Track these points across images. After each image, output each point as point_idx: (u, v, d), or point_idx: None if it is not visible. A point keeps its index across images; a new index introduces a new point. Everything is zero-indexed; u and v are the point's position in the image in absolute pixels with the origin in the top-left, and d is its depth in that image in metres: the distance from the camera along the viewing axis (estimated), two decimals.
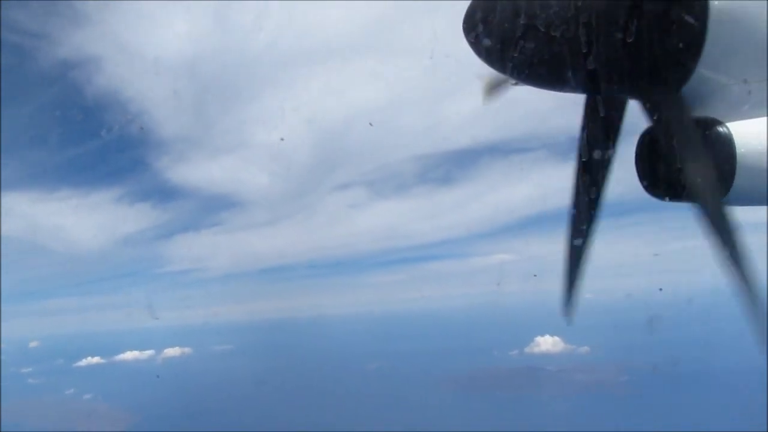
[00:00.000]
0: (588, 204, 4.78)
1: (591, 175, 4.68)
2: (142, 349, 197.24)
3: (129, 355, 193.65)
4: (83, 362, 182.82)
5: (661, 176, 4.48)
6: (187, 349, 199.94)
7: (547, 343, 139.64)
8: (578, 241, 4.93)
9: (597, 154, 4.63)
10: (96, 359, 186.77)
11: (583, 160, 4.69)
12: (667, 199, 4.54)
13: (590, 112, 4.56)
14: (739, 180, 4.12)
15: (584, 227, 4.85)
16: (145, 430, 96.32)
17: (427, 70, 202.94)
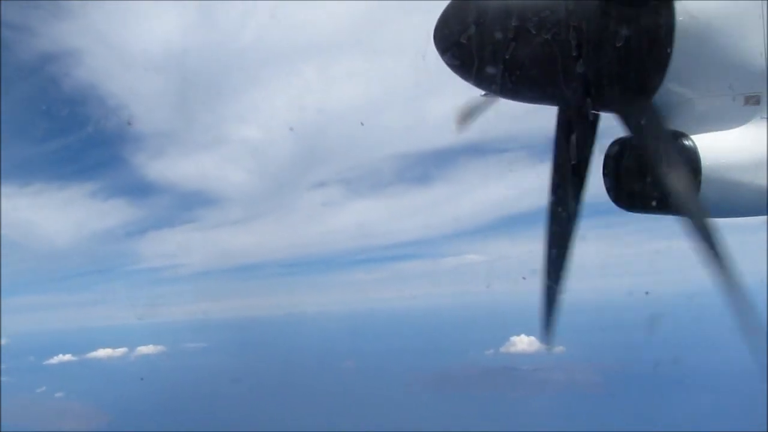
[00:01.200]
0: (564, 226, 4.78)
1: (566, 191, 4.68)
2: (114, 346, 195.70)
3: (101, 352, 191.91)
4: (54, 360, 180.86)
5: (630, 188, 4.53)
6: (160, 347, 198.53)
7: (522, 343, 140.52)
8: (554, 272, 4.92)
9: (571, 168, 4.65)
10: (68, 357, 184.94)
11: (558, 175, 4.69)
12: (636, 210, 4.61)
13: (562, 124, 4.59)
14: (705, 193, 4.18)
15: (560, 256, 4.85)
16: (118, 428, 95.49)
17: (410, 69, 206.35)
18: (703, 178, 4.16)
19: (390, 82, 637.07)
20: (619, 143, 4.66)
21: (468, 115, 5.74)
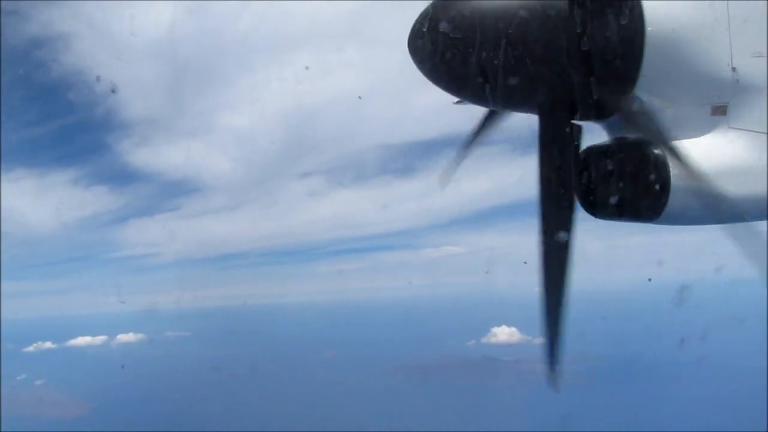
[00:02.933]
0: (559, 238, 4.69)
1: (557, 207, 4.64)
2: (94, 334, 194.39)
3: (81, 340, 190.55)
4: (34, 347, 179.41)
5: (604, 195, 4.58)
6: (141, 335, 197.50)
7: (503, 334, 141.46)
8: (554, 290, 4.78)
9: (556, 179, 4.63)
10: (47, 344, 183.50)
11: (546, 189, 4.65)
12: (610, 217, 4.68)
13: (543, 133, 4.60)
14: (673, 200, 4.29)
15: (560, 270, 4.72)
16: (100, 416, 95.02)
17: (399, 61, 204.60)
18: (671, 185, 4.27)
19: (379, 73, 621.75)
20: (588, 152, 4.74)
21: (449, 173, 6.28)
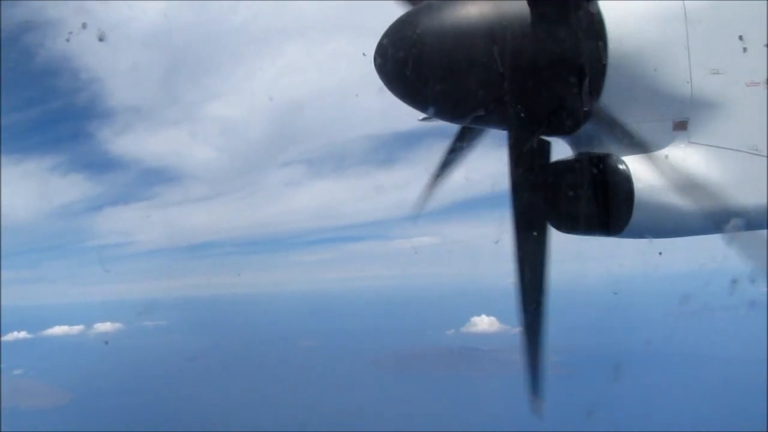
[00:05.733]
0: (534, 259, 4.65)
1: (530, 226, 4.61)
2: (71, 324, 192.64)
3: (58, 329, 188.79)
4: (9, 337, 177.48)
5: (569, 210, 4.66)
6: (118, 325, 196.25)
7: (483, 323, 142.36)
8: (531, 313, 4.71)
9: (529, 199, 4.61)
10: (23, 334, 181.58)
11: (519, 209, 4.60)
12: (575, 232, 4.75)
13: (511, 148, 4.56)
14: (637, 214, 4.36)
15: (535, 292, 4.68)
16: (79, 406, 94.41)
17: None
18: (635, 200, 4.33)
19: (369, 64, 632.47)
20: (553, 167, 4.76)
21: (424, 200, 6.39)
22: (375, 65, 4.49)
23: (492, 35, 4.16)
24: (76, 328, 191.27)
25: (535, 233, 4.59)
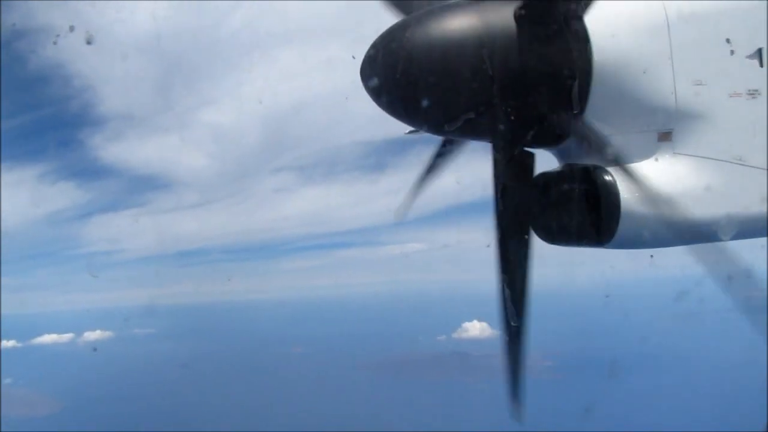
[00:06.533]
0: (516, 269, 4.68)
1: (515, 239, 4.66)
2: (61, 332, 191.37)
3: (47, 338, 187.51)
4: None
5: (555, 221, 4.66)
6: (108, 333, 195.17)
7: (474, 329, 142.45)
8: (512, 328, 4.73)
9: (512, 211, 4.65)
10: (12, 343, 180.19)
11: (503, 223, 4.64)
12: (558, 243, 4.75)
13: (497, 160, 4.58)
14: (624, 225, 4.35)
15: (518, 307, 4.69)
16: (70, 414, 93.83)
17: None
18: (622, 211, 4.33)
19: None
20: (539, 179, 4.77)
21: (406, 207, 6.39)
22: (363, 82, 4.51)
23: (477, 49, 4.19)
24: (66, 337, 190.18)
25: (517, 243, 4.64)
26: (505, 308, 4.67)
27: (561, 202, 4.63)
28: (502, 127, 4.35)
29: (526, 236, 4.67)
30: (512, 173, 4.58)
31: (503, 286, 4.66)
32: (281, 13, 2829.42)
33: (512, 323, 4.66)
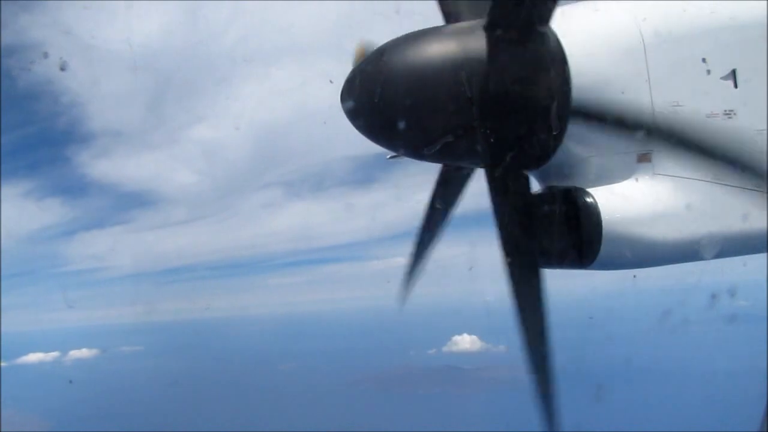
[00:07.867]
0: (529, 294, 4.52)
1: (517, 254, 4.55)
2: (46, 350, 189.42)
3: (33, 357, 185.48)
4: None
5: (543, 244, 4.60)
6: (95, 351, 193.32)
7: (464, 342, 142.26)
8: (538, 350, 4.53)
9: (516, 231, 4.56)
10: None
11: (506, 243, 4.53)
12: (550, 266, 4.69)
13: (493, 183, 4.52)
14: (606, 246, 4.39)
15: (539, 329, 4.54)
16: None
17: None
18: (603, 233, 4.37)
19: None
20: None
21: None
22: (343, 108, 4.51)
23: (455, 72, 4.19)
24: (52, 355, 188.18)
25: (528, 269, 4.52)
26: (526, 336, 4.50)
27: (543, 224, 4.62)
28: (481, 150, 4.34)
29: (535, 261, 4.57)
30: (510, 196, 4.52)
31: (520, 313, 4.50)
32: (272, 31, 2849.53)
33: (536, 352, 4.50)
